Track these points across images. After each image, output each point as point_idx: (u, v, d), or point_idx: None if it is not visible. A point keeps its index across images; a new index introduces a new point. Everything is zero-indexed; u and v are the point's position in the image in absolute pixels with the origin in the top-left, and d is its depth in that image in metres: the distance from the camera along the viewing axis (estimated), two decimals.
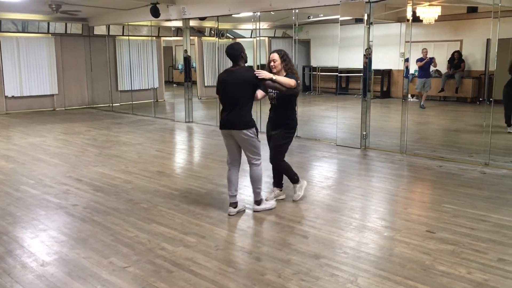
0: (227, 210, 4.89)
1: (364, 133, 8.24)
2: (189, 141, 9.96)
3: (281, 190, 5.40)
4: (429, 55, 13.07)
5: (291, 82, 4.78)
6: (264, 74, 4.67)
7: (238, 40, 17.33)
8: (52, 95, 13.80)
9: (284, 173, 5.32)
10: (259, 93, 4.94)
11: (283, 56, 4.98)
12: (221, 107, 4.94)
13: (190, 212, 4.96)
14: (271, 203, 5.08)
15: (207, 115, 12.67)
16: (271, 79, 4.69)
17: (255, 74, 4.66)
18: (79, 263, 3.78)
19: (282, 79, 4.76)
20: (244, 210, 5.01)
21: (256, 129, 4.79)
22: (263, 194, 5.15)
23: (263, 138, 5.01)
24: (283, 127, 5.12)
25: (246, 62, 4.82)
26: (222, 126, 4.81)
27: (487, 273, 3.54)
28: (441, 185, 5.95)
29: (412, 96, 13.87)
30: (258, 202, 4.97)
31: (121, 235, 4.35)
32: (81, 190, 5.82)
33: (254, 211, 4.97)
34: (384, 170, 6.82)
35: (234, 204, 4.91)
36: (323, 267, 3.66)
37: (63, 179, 6.33)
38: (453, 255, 3.86)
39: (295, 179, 5.32)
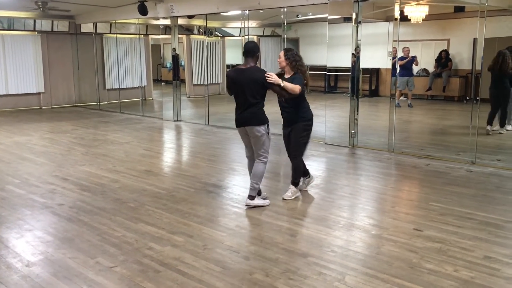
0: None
1: (352, 131, 8.27)
2: (178, 140, 9.91)
3: (308, 177, 5.60)
4: (414, 54, 13.15)
5: (296, 89, 4.91)
6: (274, 78, 4.81)
7: (227, 38, 17.30)
8: (39, 93, 13.64)
9: (293, 169, 5.39)
10: None
11: (287, 54, 5.13)
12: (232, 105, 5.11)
13: (177, 212, 4.93)
14: (265, 201, 5.10)
15: (196, 113, 12.62)
16: (279, 85, 4.84)
17: (266, 76, 4.80)
18: (65, 263, 3.74)
19: (289, 85, 4.89)
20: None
21: (268, 126, 4.94)
22: (264, 191, 5.30)
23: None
24: (300, 121, 5.23)
25: (256, 63, 4.96)
26: (237, 125, 5.03)
27: (473, 271, 3.56)
28: (428, 184, 5.98)
29: (401, 95, 13.94)
30: (252, 197, 5.02)
31: (108, 234, 4.31)
32: (68, 189, 5.76)
33: (246, 205, 4.99)
34: (372, 168, 6.85)
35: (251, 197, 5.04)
36: (311, 266, 3.67)
37: (49, 178, 6.26)
38: (440, 253, 3.88)
39: (296, 183, 5.38)
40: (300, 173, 5.41)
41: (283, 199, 5.28)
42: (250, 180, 5.03)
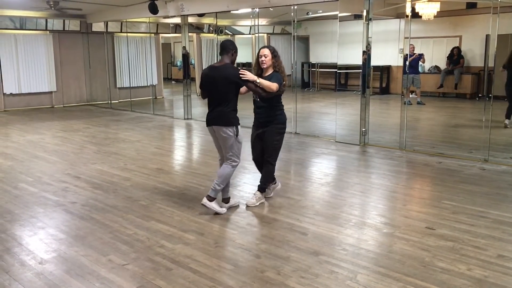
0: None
1: (363, 129, 8.23)
2: (188, 138, 9.94)
3: (274, 183, 5.33)
4: (424, 51, 13.05)
5: (273, 86, 4.69)
6: (248, 75, 4.66)
7: (237, 36, 17.29)
8: (51, 92, 13.77)
9: (263, 174, 5.10)
10: (243, 88, 4.85)
11: (274, 52, 4.92)
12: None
13: (189, 210, 4.95)
14: (221, 209, 4.83)
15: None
16: (254, 82, 4.67)
17: (240, 74, 4.65)
18: (77, 260, 3.77)
19: (266, 83, 4.69)
20: (238, 206, 5.02)
21: (237, 128, 4.73)
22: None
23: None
24: (273, 123, 4.98)
25: (233, 63, 4.81)
26: (207, 123, 4.87)
27: (486, 270, 3.53)
28: (440, 182, 5.94)
29: (411, 92, 13.84)
30: (210, 198, 4.75)
31: (120, 232, 4.34)
32: (80, 187, 5.80)
33: (202, 204, 4.78)
34: (384, 166, 6.81)
35: (226, 200, 4.93)
36: (322, 264, 3.66)
37: (62, 176, 6.31)
38: (452, 251, 3.85)
39: (263, 188, 5.13)
40: (270, 179, 5.15)
41: (247, 205, 5.02)
42: (215, 180, 4.78)
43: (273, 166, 5.10)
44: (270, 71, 4.90)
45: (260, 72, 4.95)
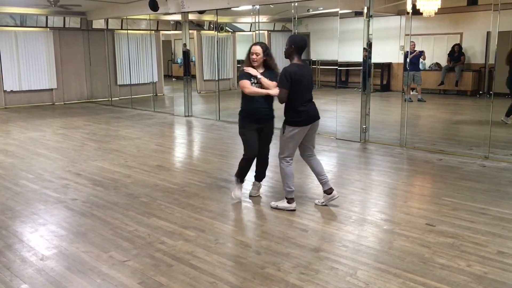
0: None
1: (363, 126, 8.23)
2: (189, 135, 9.95)
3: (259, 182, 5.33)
4: (425, 48, 13.03)
5: (272, 86, 4.72)
6: (251, 70, 4.74)
7: (237, 33, 17.28)
8: (51, 90, 13.77)
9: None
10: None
11: (267, 50, 4.85)
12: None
13: (189, 206, 4.96)
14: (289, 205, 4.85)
15: (207, 109, 12.64)
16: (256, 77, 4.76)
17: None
18: (78, 257, 3.78)
19: (266, 81, 4.74)
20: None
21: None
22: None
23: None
24: (273, 119, 5.01)
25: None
26: (313, 119, 4.78)
27: (486, 266, 3.54)
28: (440, 179, 5.94)
29: (412, 89, 13.85)
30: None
31: (121, 229, 4.35)
32: (81, 184, 5.81)
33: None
34: (384, 163, 6.82)
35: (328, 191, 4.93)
36: (322, 261, 3.67)
37: (63, 173, 6.32)
38: (452, 248, 3.86)
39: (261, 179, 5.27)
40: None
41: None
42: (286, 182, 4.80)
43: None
44: (260, 70, 4.84)
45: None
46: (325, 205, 4.90)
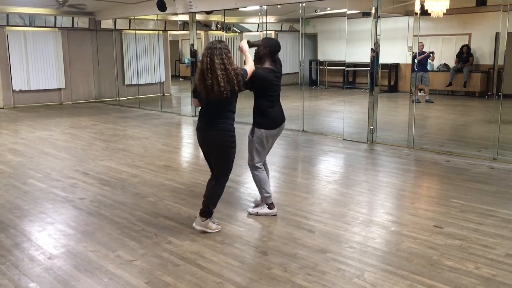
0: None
1: (371, 127, 8.21)
2: (195, 135, 9.93)
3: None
4: (434, 49, 12.97)
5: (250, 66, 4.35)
6: (244, 45, 4.48)
7: (245, 34, 17.28)
8: (59, 89, 13.85)
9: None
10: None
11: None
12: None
13: (196, 206, 4.94)
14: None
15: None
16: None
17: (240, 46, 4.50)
18: (86, 256, 3.79)
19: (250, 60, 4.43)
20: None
21: (254, 131, 4.63)
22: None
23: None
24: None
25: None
26: (281, 123, 4.64)
27: (495, 268, 3.51)
28: (448, 180, 5.91)
29: (420, 90, 13.78)
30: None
31: (128, 228, 4.36)
32: (88, 183, 5.84)
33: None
34: (391, 164, 6.79)
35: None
36: (329, 262, 3.66)
37: (70, 172, 6.36)
38: (460, 250, 3.84)
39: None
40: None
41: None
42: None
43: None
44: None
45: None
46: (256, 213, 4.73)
